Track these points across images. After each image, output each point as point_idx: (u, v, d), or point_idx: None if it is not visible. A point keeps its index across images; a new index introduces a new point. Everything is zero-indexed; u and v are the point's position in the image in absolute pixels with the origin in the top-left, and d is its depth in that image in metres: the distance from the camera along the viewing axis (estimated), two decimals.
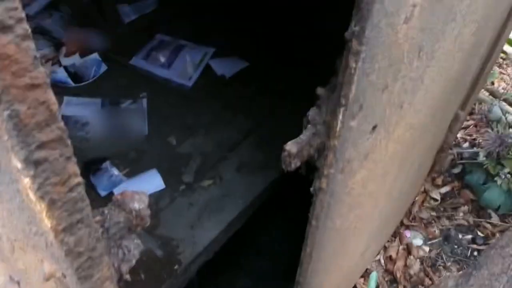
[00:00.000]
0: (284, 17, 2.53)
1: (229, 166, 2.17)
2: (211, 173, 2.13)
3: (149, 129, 2.30)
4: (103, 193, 2.04)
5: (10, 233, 0.78)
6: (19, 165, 0.47)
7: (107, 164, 2.12)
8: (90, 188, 2.04)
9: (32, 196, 0.51)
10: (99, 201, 2.01)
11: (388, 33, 0.85)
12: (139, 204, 0.71)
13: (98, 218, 0.69)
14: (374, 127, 1.07)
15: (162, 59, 2.59)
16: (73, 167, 0.52)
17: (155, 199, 2.03)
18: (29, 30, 0.39)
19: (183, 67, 2.58)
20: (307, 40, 2.47)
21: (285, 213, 2.21)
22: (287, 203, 2.36)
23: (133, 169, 2.13)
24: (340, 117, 0.90)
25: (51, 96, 0.45)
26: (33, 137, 0.45)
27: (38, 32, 2.66)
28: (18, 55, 0.39)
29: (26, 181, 0.49)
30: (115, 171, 2.11)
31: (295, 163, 0.98)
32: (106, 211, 0.71)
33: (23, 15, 0.38)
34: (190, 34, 2.74)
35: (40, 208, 0.53)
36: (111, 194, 2.03)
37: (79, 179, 0.54)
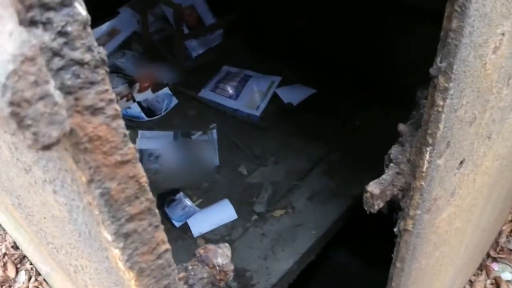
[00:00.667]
0: (347, 41, 2.48)
1: (301, 195, 2.13)
2: (283, 203, 2.10)
3: (219, 160, 2.31)
4: (177, 224, 2.06)
5: (97, 286, 0.78)
6: (109, 237, 0.46)
7: (180, 195, 2.15)
8: (165, 219, 2.07)
9: (121, 265, 0.50)
10: (174, 232, 2.03)
11: (476, 66, 0.79)
12: (223, 259, 0.68)
13: (182, 274, 0.67)
14: (462, 162, 0.99)
15: (230, 90, 2.61)
16: (161, 235, 0.51)
17: (228, 229, 2.03)
18: (119, 110, 0.38)
19: (251, 97, 2.58)
20: (372, 62, 2.40)
21: (358, 236, 2.13)
22: (361, 227, 2.27)
23: (206, 200, 2.15)
24: (427, 156, 0.84)
25: (139, 170, 0.43)
26: (123, 211, 0.44)
27: (113, 71, 2.77)
28: (108, 135, 0.38)
29: (116, 252, 0.48)
30: (188, 202, 2.13)
31: (378, 205, 0.92)
32: (190, 267, 0.68)
33: (113, 96, 0.37)
34: (256, 64, 2.76)
35: (129, 276, 0.51)
36: (185, 224, 2.05)
37: (167, 245, 0.52)
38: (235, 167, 2.27)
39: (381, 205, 0.95)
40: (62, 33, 0.31)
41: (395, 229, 1.02)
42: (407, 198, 0.93)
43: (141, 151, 2.33)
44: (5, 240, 2.19)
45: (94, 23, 2.92)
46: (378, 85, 2.37)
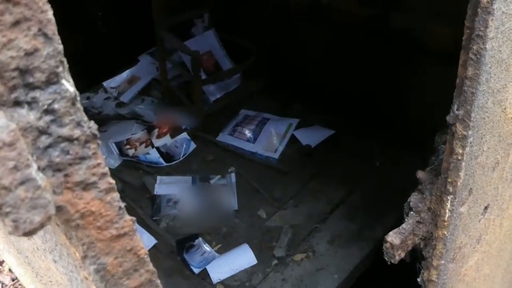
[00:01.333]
0: (366, 82, 2.48)
1: (321, 238, 2.08)
2: (303, 246, 2.05)
3: (238, 204, 2.28)
4: (196, 270, 2.02)
5: None
6: None
7: (199, 240, 2.12)
8: (184, 266, 2.04)
9: None
10: (193, 278, 1.99)
11: (495, 111, 0.75)
12: None
13: None
14: (486, 208, 0.94)
15: (248, 134, 2.61)
16: None
17: (248, 275, 1.99)
18: (114, 183, 0.36)
19: (269, 140, 2.57)
20: (391, 103, 2.38)
21: (382, 281, 2.06)
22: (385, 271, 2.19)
23: (225, 245, 2.12)
24: (448, 205, 0.80)
25: (137, 242, 0.41)
26: (121, 285, 0.42)
27: (132, 117, 2.81)
28: (102, 209, 0.36)
29: None
30: (207, 248, 2.10)
31: (399, 255, 0.87)
32: None
33: (106, 169, 0.35)
34: (273, 107, 2.77)
35: None
36: (204, 270, 2.01)
37: None
38: (254, 211, 2.24)
39: (402, 255, 0.90)
40: (49, 111, 0.30)
41: (418, 279, 0.97)
42: (430, 247, 0.89)
43: (159, 197, 2.32)
44: None
45: (115, 71, 3.00)
46: (397, 125, 2.34)
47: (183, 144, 2.61)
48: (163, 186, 2.38)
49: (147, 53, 3.10)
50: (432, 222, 0.85)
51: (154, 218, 2.23)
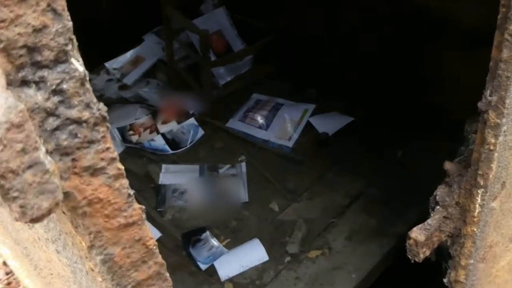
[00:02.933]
0: (387, 66, 2.46)
1: (338, 234, 2.09)
2: (319, 242, 2.06)
3: (249, 195, 2.29)
4: (203, 266, 2.04)
5: None
6: None
7: (206, 234, 2.14)
8: (190, 261, 2.06)
9: None
10: (199, 275, 2.02)
11: None
12: None
13: None
14: None
15: (260, 120, 2.61)
16: None
17: (258, 272, 2.00)
18: (122, 169, 0.37)
19: (282, 127, 2.58)
20: (415, 89, 2.36)
21: (403, 280, 2.06)
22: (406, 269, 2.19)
23: (234, 239, 2.13)
24: (479, 199, 0.80)
25: (146, 232, 0.42)
26: (129, 278, 0.43)
27: (136, 101, 2.83)
28: (111, 196, 0.37)
29: None
30: (215, 242, 2.12)
31: (423, 253, 0.88)
32: None
33: (115, 154, 0.36)
34: (287, 92, 2.77)
35: None
36: (211, 267, 2.03)
37: None
38: (266, 204, 2.25)
39: (427, 253, 0.91)
40: (57, 92, 0.30)
41: (444, 280, 0.97)
42: (457, 245, 0.89)
43: (164, 187, 2.34)
44: (19, 286, 2.21)
45: (118, 51, 3.00)
46: (421, 113, 2.33)
47: (190, 130, 2.61)
48: (169, 175, 2.40)
49: (153, 32, 3.10)
50: (460, 217, 0.86)
51: (158, 210, 2.25)
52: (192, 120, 2.67)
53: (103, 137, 0.35)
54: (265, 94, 2.77)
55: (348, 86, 2.55)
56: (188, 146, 2.57)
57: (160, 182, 2.36)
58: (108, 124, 0.35)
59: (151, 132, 2.62)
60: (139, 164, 2.48)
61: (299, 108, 2.65)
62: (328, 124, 2.53)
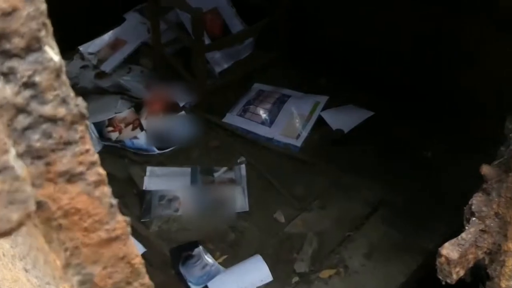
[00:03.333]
0: (412, 51, 2.46)
1: (355, 250, 2.09)
2: (332, 260, 2.07)
3: (250, 203, 2.30)
4: (195, 287, 2.04)
5: None
6: None
7: (199, 250, 2.14)
8: (180, 282, 2.06)
9: None
10: None
11: None
12: None
13: None
14: None
15: (263, 114, 2.62)
16: None
17: None
18: (104, 174, 0.37)
19: (289, 122, 2.58)
20: (444, 79, 2.37)
21: None
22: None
23: (232, 256, 2.13)
24: None
25: (132, 248, 0.43)
26: None
27: (117, 91, 2.83)
28: (90, 206, 0.38)
29: None
30: (210, 259, 2.12)
31: (456, 273, 0.88)
32: None
33: (95, 157, 0.36)
34: (295, 81, 2.76)
35: None
36: None
37: None
38: (270, 213, 2.26)
39: (461, 273, 0.91)
40: (28, 85, 0.31)
41: None
42: (497, 264, 0.89)
43: (149, 193, 2.35)
44: None
45: (94, 32, 3.00)
46: (452, 107, 2.33)
47: (181, 126, 2.63)
48: (155, 180, 2.41)
49: (136, 10, 3.11)
50: (500, 231, 0.86)
51: (142, 220, 2.26)
52: (182, 115, 2.68)
53: (82, 137, 0.35)
54: (268, 84, 2.78)
55: (366, 75, 2.56)
56: (177, 145, 2.58)
57: (144, 188, 2.37)
58: (87, 122, 0.35)
59: (133, 129, 2.63)
60: (120, 166, 2.49)
61: (309, 101, 2.65)
62: (343, 120, 2.54)
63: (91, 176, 0.37)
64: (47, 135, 0.33)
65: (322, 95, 2.67)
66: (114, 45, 3.01)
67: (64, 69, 0.33)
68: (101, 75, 2.92)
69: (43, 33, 0.30)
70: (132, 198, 2.35)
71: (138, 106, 2.72)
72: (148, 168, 2.45)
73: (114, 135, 2.61)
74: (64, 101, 0.33)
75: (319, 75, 2.77)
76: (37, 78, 0.31)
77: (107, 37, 3.04)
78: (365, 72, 2.56)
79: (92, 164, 0.37)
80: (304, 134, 2.54)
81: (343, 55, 2.67)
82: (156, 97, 2.74)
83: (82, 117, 0.34)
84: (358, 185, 2.30)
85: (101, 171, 0.38)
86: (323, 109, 2.62)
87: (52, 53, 0.32)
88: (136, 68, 2.94)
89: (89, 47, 3.01)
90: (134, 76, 2.89)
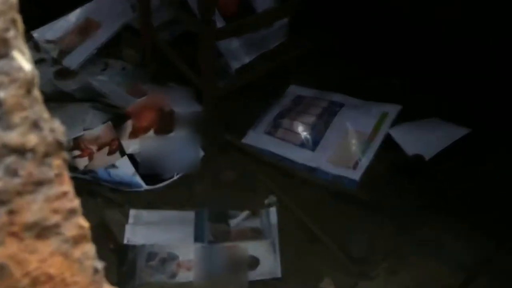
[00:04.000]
0: None
1: None
2: None
3: (283, 266, 2.30)
4: None
5: None
6: None
7: None
8: None
9: None
10: None
11: None
12: None
13: None
14: None
15: (303, 133, 2.62)
16: None
17: None
18: (87, 227, 0.38)
19: (342, 144, 2.59)
20: None
21: None
22: None
23: None
24: None
25: None
26: None
27: (85, 98, 2.84)
28: (67, 272, 0.39)
29: None
30: None
31: None
32: None
33: (75, 203, 0.37)
34: (350, 82, 2.77)
35: None
36: None
37: None
38: (313, 283, 2.24)
39: None
40: None
41: None
42: None
43: (133, 250, 2.34)
44: None
45: (55, 11, 3.01)
46: None
47: (181, 149, 2.64)
48: (141, 229, 2.41)
49: None
50: None
51: None
52: (183, 134, 2.68)
53: (58, 175, 0.37)
54: (310, 87, 2.79)
55: (457, 74, 2.55)
56: (175, 177, 2.59)
57: (126, 241, 2.36)
58: (66, 155, 0.36)
59: (110, 153, 2.65)
60: (90, 209, 2.48)
61: (371, 111, 2.66)
62: (424, 141, 2.54)
63: (70, 230, 0.39)
64: (12, 172, 0.34)
65: (392, 103, 2.68)
66: (83, 30, 3.04)
67: (37, 81, 0.34)
68: (64, 73, 2.94)
69: (11, 33, 0.31)
70: (108, 256, 2.31)
71: (117, 119, 2.73)
72: (132, 212, 2.45)
73: (81, 162, 2.61)
74: (35, 126, 0.34)
75: (388, 74, 2.78)
76: (1, 94, 0.32)
77: (73, 17, 3.07)
78: (456, 70, 2.55)
79: (71, 212, 0.39)
80: (365, 161, 2.54)
81: (425, 45, 2.68)
82: (144, 107, 2.76)
83: (59, 147, 0.35)
84: (445, 240, 2.29)
85: (83, 222, 0.40)
86: (393, 124, 2.62)
87: (23, 61, 0.32)
88: (116, 63, 2.96)
89: (47, 33, 3.04)
90: (113, 76, 2.91)
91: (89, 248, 0.41)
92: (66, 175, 0.39)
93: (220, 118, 2.73)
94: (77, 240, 0.40)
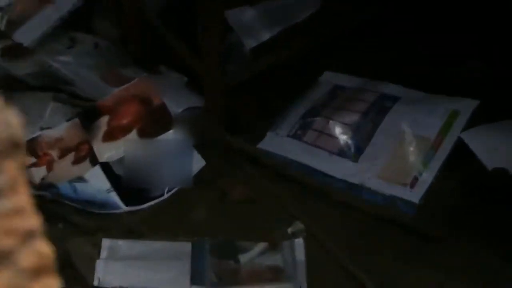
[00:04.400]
0: None
1: None
2: None
3: None
4: None
5: None
6: None
7: None
8: None
9: None
10: None
11: None
12: None
13: None
14: None
15: (342, 136, 2.60)
16: None
17: None
18: (51, 254, 0.44)
19: (396, 153, 2.56)
20: None
21: None
22: None
23: None
24: None
25: None
26: None
27: (44, 85, 2.84)
28: None
29: None
30: None
31: None
32: None
33: (35, 222, 0.44)
34: (403, 68, 2.76)
35: None
36: None
37: None
38: None
39: None
40: None
41: None
42: None
43: None
44: None
45: None
46: None
47: (175, 157, 2.63)
48: (118, 266, 2.40)
49: None
50: None
51: None
52: (175, 135, 2.67)
53: (12, 183, 0.39)
54: (352, 74, 2.78)
55: None
56: (166, 195, 2.57)
57: (96, 282, 2.35)
58: (24, 157, 0.38)
59: (77, 161, 2.65)
60: (48, 237, 2.42)
61: (437, 109, 2.64)
62: (510, 150, 2.48)
63: (27, 259, 0.41)
64: None
65: (466, 97, 2.64)
66: None
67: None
68: (14, 51, 2.95)
69: None
70: None
71: (87, 115, 2.73)
72: (106, 243, 2.44)
73: (37, 174, 2.61)
74: None
75: (463, 56, 2.75)
76: None
77: None
78: None
79: (30, 235, 0.42)
80: (427, 177, 2.51)
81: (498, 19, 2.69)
82: (125, 99, 2.75)
83: (14, 146, 0.34)
84: None
85: (45, 248, 0.44)
86: (468, 126, 2.58)
87: None
88: (86, 39, 2.98)
89: None
90: (81, 56, 2.92)
91: (53, 283, 0.43)
92: (24, 181, 0.39)
93: (228, 115, 2.73)
94: (36, 272, 0.42)
